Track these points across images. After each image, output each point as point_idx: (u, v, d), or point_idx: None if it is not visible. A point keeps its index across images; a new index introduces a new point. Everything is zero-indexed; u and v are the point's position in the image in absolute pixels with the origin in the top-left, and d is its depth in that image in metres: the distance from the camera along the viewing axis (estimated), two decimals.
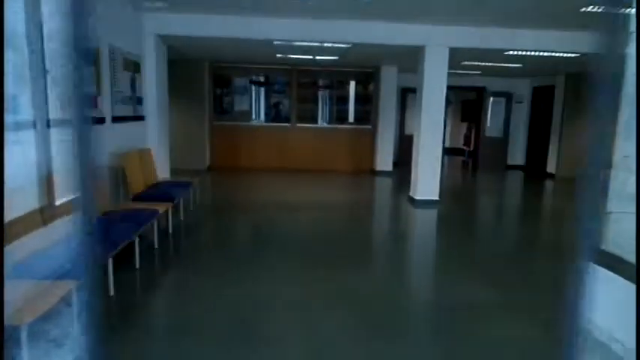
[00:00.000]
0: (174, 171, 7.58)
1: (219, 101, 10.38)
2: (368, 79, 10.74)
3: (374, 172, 10.51)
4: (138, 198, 5.03)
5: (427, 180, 7.15)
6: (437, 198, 7.18)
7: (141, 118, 6.16)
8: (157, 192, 5.23)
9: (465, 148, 15.43)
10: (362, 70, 10.49)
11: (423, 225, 6.47)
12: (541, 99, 11.77)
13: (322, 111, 10.97)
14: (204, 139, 10.01)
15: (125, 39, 5.60)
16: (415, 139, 7.34)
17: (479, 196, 9.07)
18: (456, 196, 8.41)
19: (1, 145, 2.57)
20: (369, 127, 10.72)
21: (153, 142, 6.44)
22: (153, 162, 6.07)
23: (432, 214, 6.85)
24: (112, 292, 3.40)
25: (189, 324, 3.06)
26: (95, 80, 4.63)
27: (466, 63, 8.85)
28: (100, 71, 4.71)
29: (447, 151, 11.92)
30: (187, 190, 5.99)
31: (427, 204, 7.12)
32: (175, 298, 3.65)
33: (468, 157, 14.91)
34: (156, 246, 4.57)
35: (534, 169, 11.78)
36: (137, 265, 3.98)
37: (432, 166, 7.12)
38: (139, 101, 6.08)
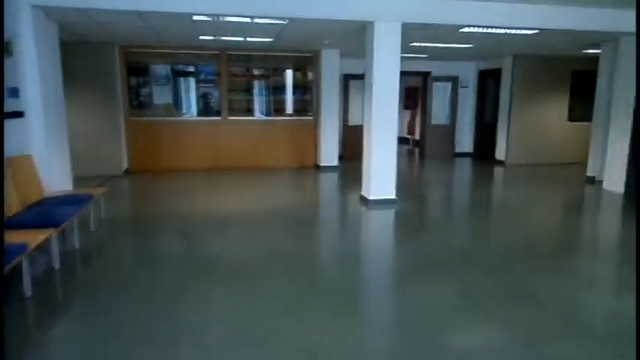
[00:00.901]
0: (79, 180, 6.16)
1: (136, 93, 8.88)
2: (307, 65, 9.69)
3: (318, 168, 9.52)
4: (6, 225, 3.66)
5: (381, 177, 6.24)
6: (393, 197, 6.31)
7: (17, 114, 4.70)
8: (35, 215, 3.88)
9: (409, 136, 14.88)
10: (300, 54, 9.41)
11: (382, 231, 5.54)
12: (487, 83, 11.32)
13: (258, 102, 9.77)
14: (119, 138, 8.50)
15: None
16: (365, 132, 6.41)
17: (435, 190, 8.34)
18: (412, 192, 7.60)
19: (2, 144, 2.51)
20: (311, 118, 9.69)
21: (38, 145, 5.00)
22: (35, 172, 4.66)
23: (389, 216, 5.96)
24: None
25: None
26: None
27: (415, 44, 8.05)
28: None
29: None
30: (86, 205, 4.65)
31: (382, 204, 6.23)
32: None
33: (413, 146, 14.37)
34: (28, 294, 3.27)
35: (483, 157, 11.34)
36: None
37: (387, 161, 6.22)
38: (14, 93, 4.63)
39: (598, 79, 7.97)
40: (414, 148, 13.97)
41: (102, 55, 8.06)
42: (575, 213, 6.54)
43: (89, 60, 7.95)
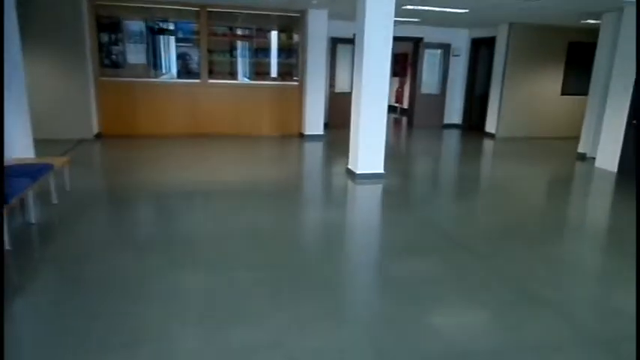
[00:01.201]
0: (46, 143, 5.68)
1: (107, 51, 8.22)
2: (293, 26, 9.10)
3: (303, 136, 9.11)
4: None
5: (369, 150, 5.90)
6: (382, 171, 5.98)
7: None
8: None
9: (396, 104, 14.49)
10: (286, 14, 8.80)
11: (370, 209, 5.22)
12: (480, 52, 10.90)
13: (241, 64, 9.21)
14: (88, 100, 7.89)
15: None
16: (354, 100, 6.00)
17: (425, 163, 8.03)
18: (400, 165, 7.29)
19: (1, 143, 2.63)
20: (296, 83, 9.18)
21: None
22: None
23: (377, 192, 5.65)
24: None
25: None
26: None
27: (408, 7, 7.54)
28: None
29: None
30: (42, 177, 4.20)
31: (370, 178, 5.92)
32: None
33: (401, 115, 14.01)
34: None
35: (473, 128, 11.07)
36: None
37: (376, 133, 5.86)
38: None
39: (597, 51, 7.61)
40: (402, 117, 13.62)
41: (68, 9, 7.35)
42: (566, 192, 6.32)
43: (53, 14, 7.25)
